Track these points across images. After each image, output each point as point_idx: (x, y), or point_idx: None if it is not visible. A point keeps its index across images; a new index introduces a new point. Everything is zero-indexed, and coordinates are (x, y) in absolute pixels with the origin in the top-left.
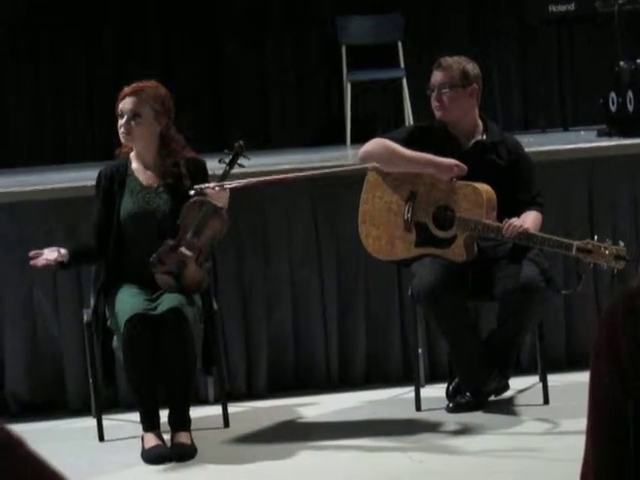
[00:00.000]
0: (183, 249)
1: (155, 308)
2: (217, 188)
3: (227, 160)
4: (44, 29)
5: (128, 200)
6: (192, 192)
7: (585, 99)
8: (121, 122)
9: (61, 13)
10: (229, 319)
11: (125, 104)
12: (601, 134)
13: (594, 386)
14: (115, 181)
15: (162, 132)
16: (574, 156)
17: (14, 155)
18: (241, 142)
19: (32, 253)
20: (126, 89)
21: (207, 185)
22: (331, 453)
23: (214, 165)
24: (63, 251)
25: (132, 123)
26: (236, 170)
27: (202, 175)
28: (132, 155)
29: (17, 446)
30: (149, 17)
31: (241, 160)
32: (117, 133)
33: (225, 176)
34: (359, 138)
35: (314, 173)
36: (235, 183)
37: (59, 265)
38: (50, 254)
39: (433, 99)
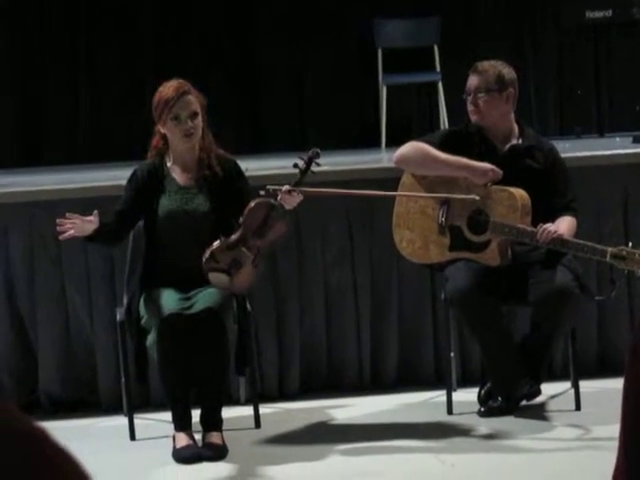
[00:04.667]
0: (244, 249)
1: (190, 307)
2: (293, 192)
3: (301, 165)
4: (81, 30)
5: (166, 200)
6: (262, 192)
7: (621, 105)
8: (190, 124)
9: (97, 13)
10: (262, 321)
11: (184, 105)
12: (637, 140)
13: (629, 388)
14: (152, 180)
15: (203, 128)
16: (609, 162)
17: (51, 153)
18: (317, 149)
19: (59, 221)
20: (174, 90)
21: (280, 187)
22: (362, 456)
23: (249, 165)
24: (93, 225)
25: (194, 123)
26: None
27: (237, 174)
28: (167, 155)
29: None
30: (185, 25)
31: (314, 166)
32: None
33: (300, 181)
34: (394, 141)
35: (387, 194)
36: (308, 189)
37: (85, 238)
38: (79, 227)
39: (469, 103)
